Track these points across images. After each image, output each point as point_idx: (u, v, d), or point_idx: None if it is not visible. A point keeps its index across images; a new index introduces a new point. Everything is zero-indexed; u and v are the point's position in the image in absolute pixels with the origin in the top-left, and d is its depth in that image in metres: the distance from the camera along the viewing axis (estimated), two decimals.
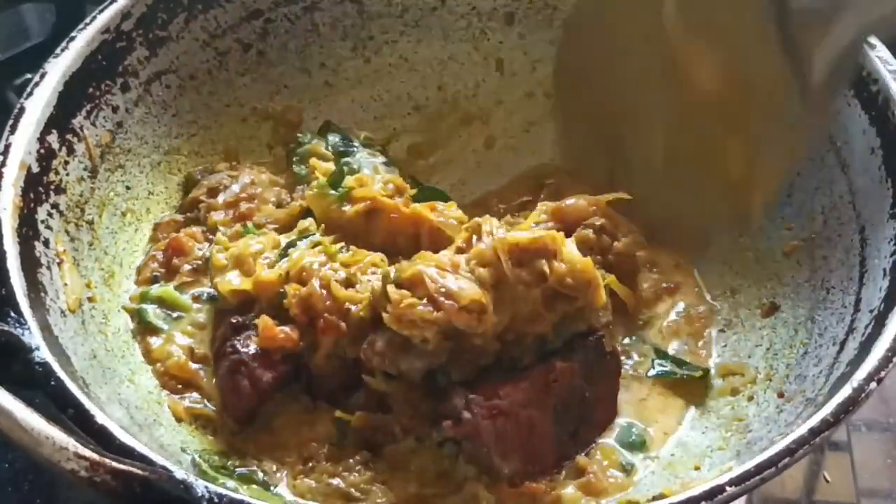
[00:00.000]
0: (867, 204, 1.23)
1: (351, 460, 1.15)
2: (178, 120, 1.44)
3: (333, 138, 1.46)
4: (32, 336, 1.01)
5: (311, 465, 1.16)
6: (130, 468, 0.86)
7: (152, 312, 1.28)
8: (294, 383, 1.21)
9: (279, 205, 1.39)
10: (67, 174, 1.24)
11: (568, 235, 1.18)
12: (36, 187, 1.18)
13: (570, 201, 1.31)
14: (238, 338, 1.20)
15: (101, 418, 0.96)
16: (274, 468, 1.16)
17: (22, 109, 1.20)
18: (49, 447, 0.86)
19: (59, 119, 1.23)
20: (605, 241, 1.30)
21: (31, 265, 1.11)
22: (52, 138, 1.22)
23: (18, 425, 0.87)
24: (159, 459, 0.93)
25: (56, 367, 0.99)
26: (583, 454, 1.19)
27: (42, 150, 1.20)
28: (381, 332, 1.13)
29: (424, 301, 1.09)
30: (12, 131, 1.18)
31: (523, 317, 1.12)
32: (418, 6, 1.56)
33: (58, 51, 1.27)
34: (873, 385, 1.00)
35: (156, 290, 1.30)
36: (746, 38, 1.22)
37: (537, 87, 1.58)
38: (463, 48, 1.58)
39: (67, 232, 1.22)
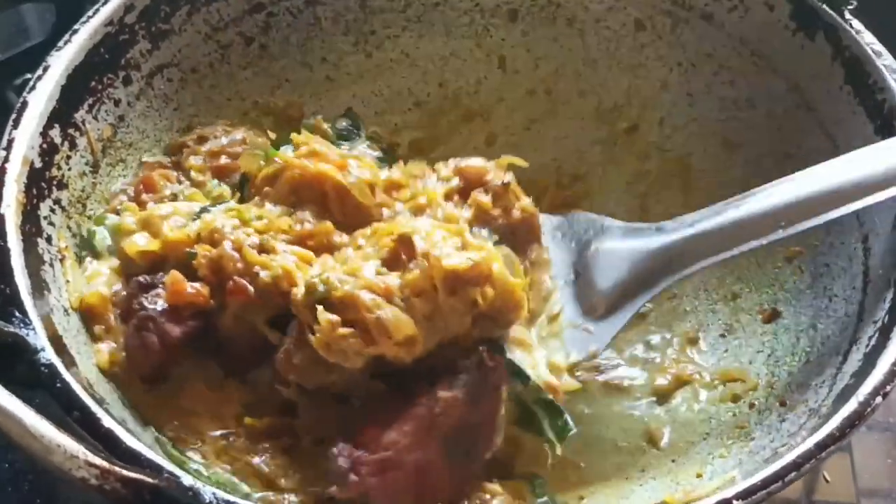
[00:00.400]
0: (871, 212, 1.23)
1: (267, 444, 1.14)
2: (180, 114, 1.43)
3: (342, 122, 1.44)
4: (37, 337, 1.00)
5: (230, 439, 1.14)
6: (140, 476, 0.86)
7: (100, 237, 1.26)
8: (202, 349, 1.18)
9: None
10: (69, 169, 1.23)
11: (467, 193, 1.20)
12: (39, 183, 1.17)
13: (470, 161, 1.27)
14: (146, 296, 1.17)
15: (107, 422, 0.95)
16: (183, 435, 1.13)
17: (25, 104, 1.19)
18: (60, 455, 0.86)
19: (62, 113, 1.22)
20: (509, 201, 1.24)
21: (34, 263, 1.11)
22: (55, 133, 1.21)
23: (28, 432, 0.86)
24: (165, 464, 0.93)
25: (61, 368, 0.99)
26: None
27: (44, 145, 1.19)
28: (299, 347, 1.11)
29: (355, 331, 1.07)
30: (15, 126, 1.17)
31: (449, 338, 1.11)
32: (421, 1, 1.55)
33: (60, 44, 1.26)
34: (879, 399, 1.01)
35: (112, 220, 1.27)
36: None
37: (539, 85, 1.57)
38: (465, 44, 1.58)
39: (69, 228, 1.21)
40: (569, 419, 1.15)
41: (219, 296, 1.16)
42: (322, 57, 1.54)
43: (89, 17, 1.29)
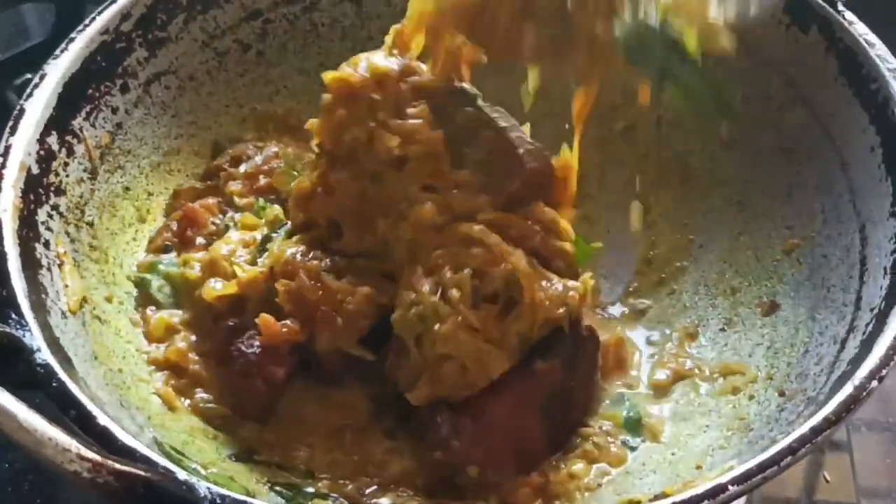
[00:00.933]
0: (867, 202, 1.23)
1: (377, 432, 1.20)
2: (178, 121, 1.44)
3: None
4: (34, 338, 1.01)
5: (334, 441, 1.19)
6: (133, 469, 0.86)
7: (156, 285, 1.29)
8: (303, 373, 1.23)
9: None
10: (67, 175, 1.24)
11: None
12: (36, 189, 1.18)
13: None
14: (240, 340, 1.20)
15: (102, 420, 0.96)
16: (302, 453, 1.18)
17: (21, 111, 1.20)
18: (52, 448, 0.86)
19: (59, 120, 1.23)
20: None
21: (31, 267, 1.11)
22: (52, 140, 1.22)
23: (21, 427, 0.87)
24: (161, 460, 0.94)
25: (57, 368, 0.99)
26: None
27: (42, 152, 1.20)
28: (401, 358, 1.17)
29: (454, 365, 1.14)
30: (12, 132, 1.18)
31: None
32: None
33: (57, 52, 1.27)
34: (875, 383, 1.00)
35: (166, 264, 1.31)
36: None
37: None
38: None
39: (68, 233, 1.22)
40: None
41: (308, 325, 1.19)
42: (320, 63, 1.54)
43: (86, 26, 1.30)
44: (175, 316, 1.28)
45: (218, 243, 1.30)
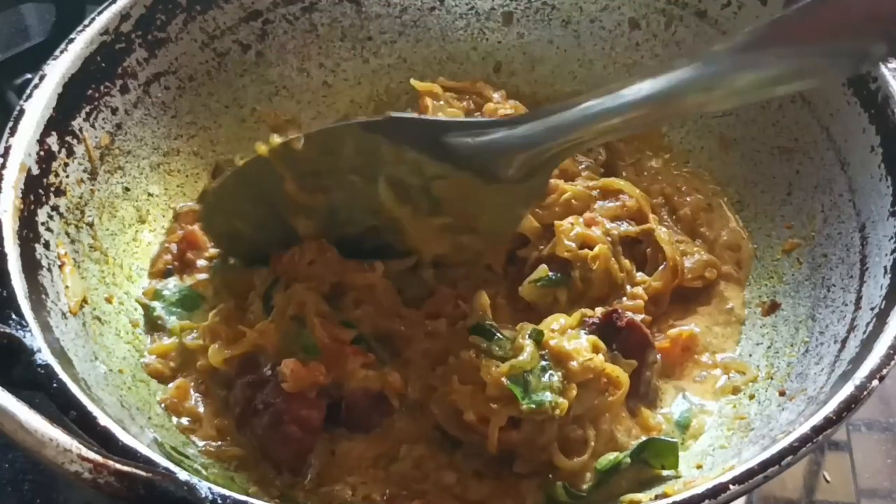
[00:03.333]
0: (867, 202, 1.23)
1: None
2: (178, 121, 1.43)
3: None
4: (34, 338, 1.01)
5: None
6: (134, 470, 0.86)
7: (161, 313, 1.30)
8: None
9: None
10: (67, 176, 1.24)
11: None
12: (36, 189, 1.18)
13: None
14: (263, 392, 1.18)
15: (103, 420, 0.96)
16: (349, 492, 1.17)
17: (21, 111, 1.20)
18: (53, 449, 0.86)
19: (59, 121, 1.23)
20: None
21: (31, 267, 1.11)
22: (52, 140, 1.22)
23: (22, 427, 0.87)
24: (162, 461, 0.94)
25: (58, 369, 0.99)
26: None
27: (42, 152, 1.20)
28: None
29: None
30: (12, 133, 1.17)
31: None
32: (416, 6, 1.56)
33: (57, 53, 1.26)
34: (875, 383, 1.00)
35: (171, 291, 1.32)
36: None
37: (536, 87, 1.58)
38: (461, 48, 1.58)
39: (68, 234, 1.22)
40: None
41: (335, 368, 1.18)
42: (319, 63, 1.55)
43: (85, 26, 1.30)
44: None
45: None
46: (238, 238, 1.31)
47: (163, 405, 1.21)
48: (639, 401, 1.24)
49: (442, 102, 1.45)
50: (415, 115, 1.41)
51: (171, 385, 1.23)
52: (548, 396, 1.12)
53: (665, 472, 1.15)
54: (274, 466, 1.17)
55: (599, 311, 1.24)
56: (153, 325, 1.29)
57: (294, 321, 1.19)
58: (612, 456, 1.16)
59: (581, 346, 1.17)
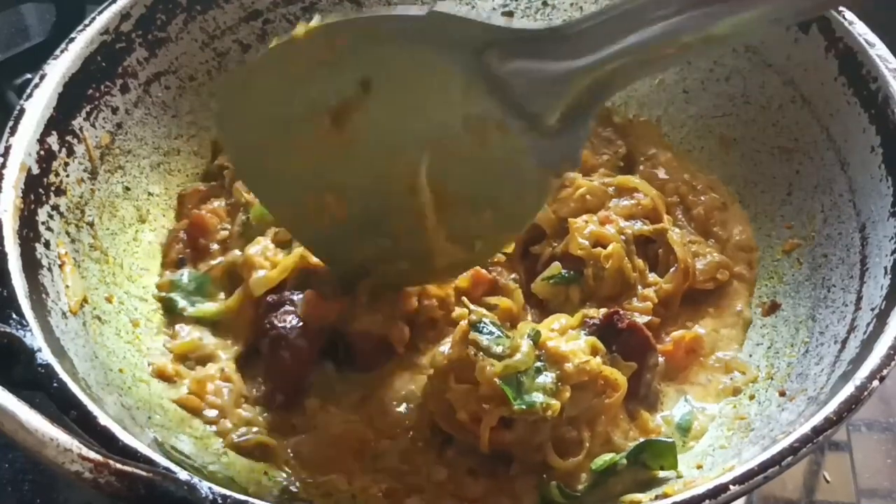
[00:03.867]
0: (867, 202, 1.23)
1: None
2: (178, 121, 1.43)
3: None
4: (34, 338, 1.01)
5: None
6: (135, 469, 0.86)
7: (182, 304, 1.31)
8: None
9: None
10: (67, 176, 1.24)
11: None
12: (36, 189, 1.18)
13: None
14: (275, 314, 1.25)
15: (103, 420, 0.96)
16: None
17: (22, 111, 1.20)
18: (53, 449, 0.85)
19: (59, 120, 1.23)
20: None
21: (32, 267, 1.11)
22: (52, 140, 1.22)
23: (23, 427, 0.86)
24: (162, 461, 0.94)
25: (58, 368, 0.99)
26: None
27: (42, 152, 1.20)
28: None
29: None
30: (12, 133, 1.17)
31: None
32: (417, 6, 1.55)
33: (57, 52, 1.26)
34: (876, 383, 1.00)
35: (188, 280, 1.33)
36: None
37: None
38: None
39: (68, 233, 1.22)
40: None
41: (351, 307, 1.24)
42: None
43: (85, 26, 1.30)
44: (205, 336, 1.29)
45: (247, 247, 1.31)
46: (258, 162, 1.19)
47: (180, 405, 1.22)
48: (638, 403, 1.24)
49: None
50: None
51: (185, 382, 1.24)
52: (539, 398, 1.11)
53: (663, 474, 1.15)
54: (274, 387, 1.24)
55: (602, 311, 1.24)
56: (173, 317, 1.30)
57: None
58: (607, 457, 1.16)
59: (578, 347, 1.16)
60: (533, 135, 1.07)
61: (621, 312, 1.24)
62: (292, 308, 1.25)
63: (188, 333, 1.29)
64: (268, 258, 1.29)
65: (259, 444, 1.19)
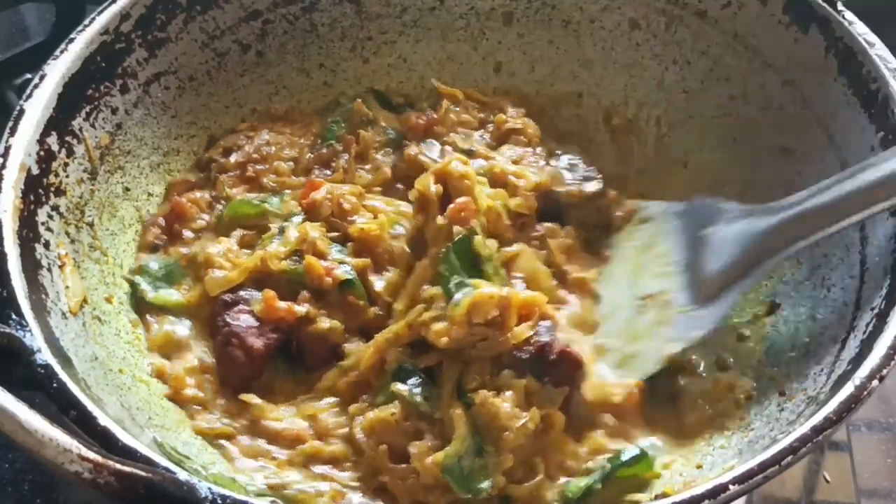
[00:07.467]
0: None
1: None
2: (178, 121, 1.44)
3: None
4: (34, 338, 1.01)
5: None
6: (134, 470, 0.86)
7: (147, 289, 1.31)
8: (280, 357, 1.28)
9: (296, 163, 1.44)
10: (67, 176, 1.24)
11: None
12: (36, 189, 1.18)
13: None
14: (229, 312, 1.26)
15: (103, 420, 0.96)
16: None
17: (21, 111, 1.20)
18: (53, 449, 0.86)
19: (59, 121, 1.23)
20: None
21: (31, 267, 1.11)
22: (52, 140, 1.22)
23: (22, 427, 0.87)
24: (162, 461, 0.94)
25: (58, 369, 0.99)
26: None
27: (42, 152, 1.20)
28: None
29: None
30: (12, 133, 1.17)
31: None
32: (417, 6, 1.56)
33: (57, 52, 1.26)
34: (875, 383, 1.00)
35: (156, 267, 1.33)
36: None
37: (536, 87, 1.58)
38: (461, 48, 1.59)
39: (68, 234, 1.22)
40: None
41: (315, 306, 1.26)
42: (319, 63, 1.55)
43: (85, 26, 1.30)
44: (178, 326, 1.29)
45: (210, 246, 1.33)
46: None
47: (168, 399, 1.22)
48: (581, 422, 1.21)
49: (458, 108, 1.48)
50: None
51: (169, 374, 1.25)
52: (485, 485, 1.11)
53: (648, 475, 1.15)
54: (224, 382, 1.25)
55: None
56: (142, 304, 1.30)
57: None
58: (581, 483, 1.14)
59: (512, 406, 1.14)
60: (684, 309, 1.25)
61: (551, 343, 1.20)
62: (247, 308, 1.26)
63: (159, 325, 1.29)
64: (229, 259, 1.30)
65: (222, 433, 1.20)
